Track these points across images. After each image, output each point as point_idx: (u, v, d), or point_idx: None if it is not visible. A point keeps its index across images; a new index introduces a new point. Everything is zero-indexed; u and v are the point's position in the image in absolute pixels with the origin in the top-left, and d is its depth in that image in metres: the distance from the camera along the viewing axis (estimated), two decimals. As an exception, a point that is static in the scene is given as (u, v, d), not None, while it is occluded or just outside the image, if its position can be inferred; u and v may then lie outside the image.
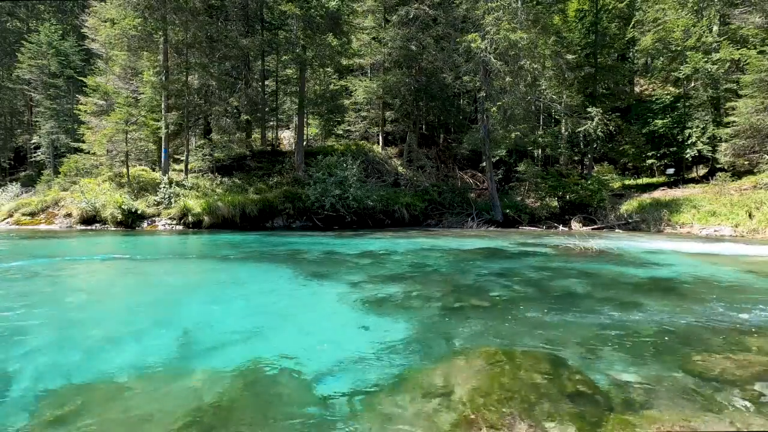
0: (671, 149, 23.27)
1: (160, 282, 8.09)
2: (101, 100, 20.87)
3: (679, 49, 22.27)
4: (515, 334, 4.78)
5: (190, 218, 17.43)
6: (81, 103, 21.74)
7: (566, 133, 24.82)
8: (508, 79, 20.12)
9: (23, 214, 18.67)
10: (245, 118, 23.83)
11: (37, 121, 29.38)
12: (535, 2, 20.99)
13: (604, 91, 25.93)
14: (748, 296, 6.59)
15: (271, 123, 26.18)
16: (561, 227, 20.32)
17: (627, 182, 26.04)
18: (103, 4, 22.10)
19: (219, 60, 21.56)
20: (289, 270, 8.75)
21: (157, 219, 17.82)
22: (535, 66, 20.13)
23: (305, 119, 25.34)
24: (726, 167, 20.66)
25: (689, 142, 22.19)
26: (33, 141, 29.25)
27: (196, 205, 17.60)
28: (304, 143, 24.35)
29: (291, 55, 22.77)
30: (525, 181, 23.38)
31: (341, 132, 28.13)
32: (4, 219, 18.75)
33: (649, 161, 24.74)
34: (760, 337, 4.66)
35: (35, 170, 29.10)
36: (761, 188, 17.87)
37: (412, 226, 20.75)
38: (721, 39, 21.36)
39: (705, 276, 8.41)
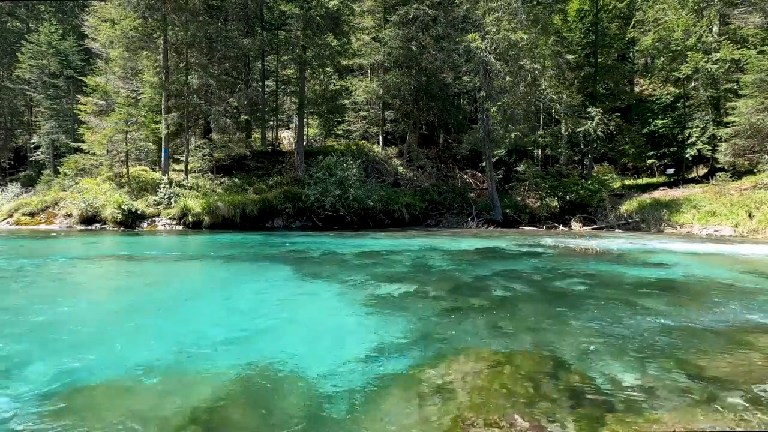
0: (671, 149, 23.27)
1: (160, 282, 8.08)
2: (101, 100, 20.87)
3: (679, 49, 22.25)
4: (515, 333, 4.78)
5: (190, 218, 17.43)
6: (81, 103, 21.73)
7: (566, 133, 24.80)
8: (508, 79, 20.11)
9: (23, 214, 18.67)
10: (245, 118, 23.82)
11: (37, 121, 29.35)
12: (535, 2, 20.97)
13: (604, 91, 25.90)
14: (748, 296, 6.58)
15: (271, 123, 26.16)
16: (561, 227, 20.32)
17: (627, 182, 26.02)
18: (103, 4, 22.10)
19: (219, 60, 21.55)
20: (289, 270, 8.74)
21: (157, 219, 17.81)
22: (535, 66, 20.12)
23: (305, 119, 25.34)
24: (726, 167, 20.64)
25: (689, 142, 22.18)
26: (33, 141, 29.21)
27: (196, 205, 17.59)
28: (304, 143, 24.35)
29: (291, 55, 22.76)
30: (525, 181, 23.36)
31: (341, 132, 28.11)
32: (4, 219, 18.75)
33: (649, 161, 24.72)
34: (760, 337, 4.66)
35: (35, 170, 29.05)
36: (761, 188, 17.86)
37: (412, 226, 20.75)
38: (721, 39, 21.35)
39: (705, 276, 8.41)
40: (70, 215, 17.91)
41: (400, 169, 25.43)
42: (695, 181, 22.96)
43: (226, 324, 5.24)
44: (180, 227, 17.44)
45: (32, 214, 18.68)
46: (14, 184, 24.56)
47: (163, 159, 20.02)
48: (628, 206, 20.31)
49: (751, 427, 2.88)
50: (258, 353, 4.21)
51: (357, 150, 24.10)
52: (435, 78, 25.05)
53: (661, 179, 24.82)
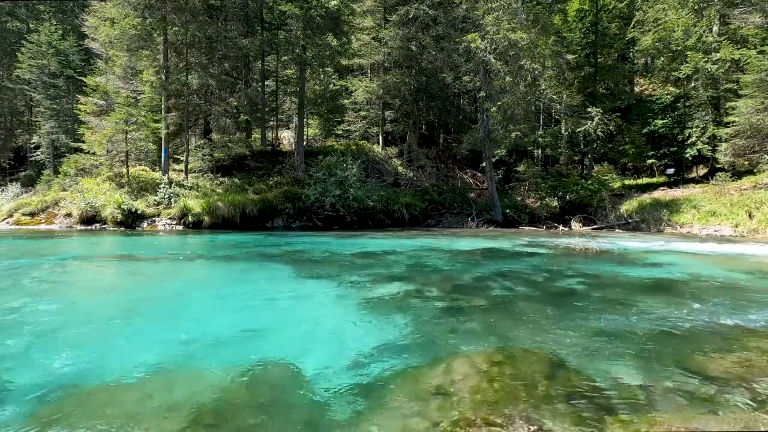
0: (671, 149, 23.26)
1: (159, 282, 8.08)
2: (101, 100, 20.86)
3: (679, 48, 22.24)
4: (515, 333, 4.78)
5: (190, 218, 17.42)
6: (81, 103, 21.73)
7: (566, 133, 24.80)
8: (508, 79, 20.10)
9: (23, 214, 18.66)
10: (245, 118, 23.82)
11: (37, 121, 29.34)
12: (535, 2, 20.97)
13: (604, 91, 25.89)
14: (748, 296, 6.58)
15: (271, 123, 26.16)
16: (561, 227, 20.31)
17: (627, 182, 26.02)
18: (103, 4, 22.08)
19: (219, 60, 21.55)
20: (290, 270, 8.74)
21: (157, 219, 17.81)
22: (535, 66, 20.10)
23: (305, 119, 25.34)
24: (726, 167, 20.64)
25: (689, 142, 22.18)
26: (33, 141, 29.20)
27: (196, 205, 17.58)
28: (304, 143, 24.34)
29: (291, 55, 22.76)
30: (525, 181, 23.36)
31: (341, 132, 28.12)
32: (4, 219, 18.74)
33: (649, 161, 24.71)
34: (760, 337, 4.66)
35: (35, 170, 29.05)
36: (761, 188, 17.85)
37: (412, 226, 20.75)
38: (721, 39, 21.33)
39: (705, 276, 8.40)
40: (70, 215, 17.91)
41: (400, 169, 25.43)
42: (695, 181, 22.95)
43: (225, 324, 5.24)
44: (180, 227, 17.44)
45: (32, 214, 18.67)
46: (14, 184, 24.54)
47: (163, 159, 20.02)
48: (628, 206, 20.30)
49: (752, 428, 2.87)
50: (257, 354, 4.21)
51: (357, 150, 24.10)
52: (435, 78, 25.04)
53: (661, 179, 24.82)
